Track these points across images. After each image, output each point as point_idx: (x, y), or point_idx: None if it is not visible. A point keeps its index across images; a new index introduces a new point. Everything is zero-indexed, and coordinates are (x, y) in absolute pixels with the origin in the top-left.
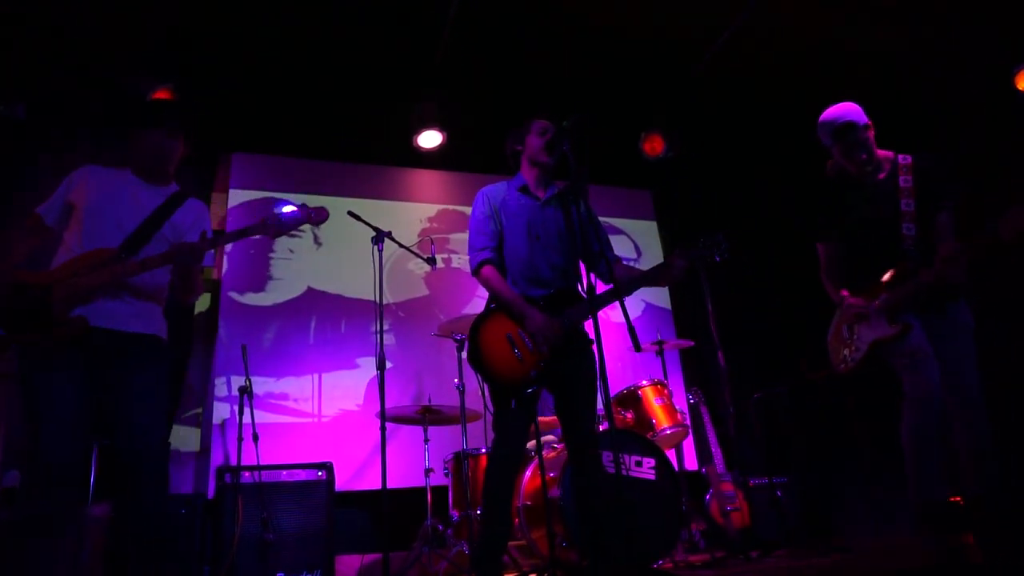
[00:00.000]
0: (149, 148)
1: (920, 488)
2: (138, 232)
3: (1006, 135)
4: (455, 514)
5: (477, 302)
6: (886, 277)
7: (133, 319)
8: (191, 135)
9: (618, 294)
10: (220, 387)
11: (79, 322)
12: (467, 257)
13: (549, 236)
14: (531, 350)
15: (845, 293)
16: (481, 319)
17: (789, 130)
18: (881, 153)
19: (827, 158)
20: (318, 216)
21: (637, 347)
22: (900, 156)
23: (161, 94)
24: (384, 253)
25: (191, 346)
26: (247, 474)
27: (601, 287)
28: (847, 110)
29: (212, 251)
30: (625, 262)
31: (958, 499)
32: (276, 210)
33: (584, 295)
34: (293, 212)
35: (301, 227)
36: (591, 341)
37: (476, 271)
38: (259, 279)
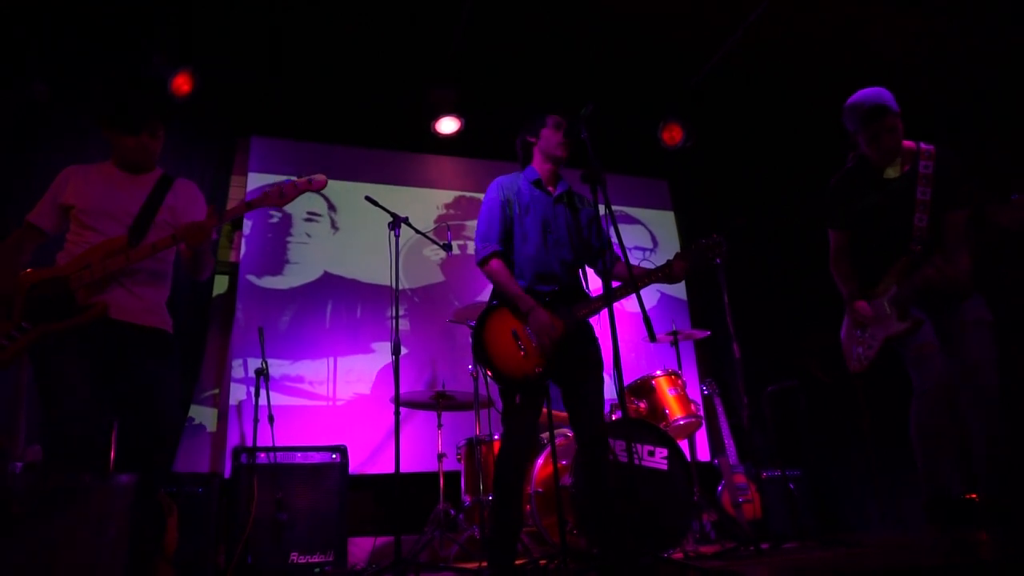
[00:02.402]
0: (130, 150)
1: (929, 483)
2: (139, 220)
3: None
4: (467, 499)
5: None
6: (892, 270)
7: (144, 313)
8: (169, 124)
9: (633, 288)
10: (237, 369)
11: (101, 307)
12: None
13: (560, 233)
14: (535, 346)
15: (861, 304)
16: (486, 315)
17: (808, 121)
18: (906, 144)
19: (845, 148)
20: (317, 183)
21: (652, 337)
22: (922, 144)
23: (180, 78)
24: (400, 239)
25: (208, 328)
26: (263, 455)
27: (596, 283)
28: (878, 93)
29: (219, 226)
30: (640, 251)
31: (973, 496)
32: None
33: (587, 292)
34: (290, 180)
35: (318, 212)
36: (593, 330)
37: (483, 262)
38: (276, 263)
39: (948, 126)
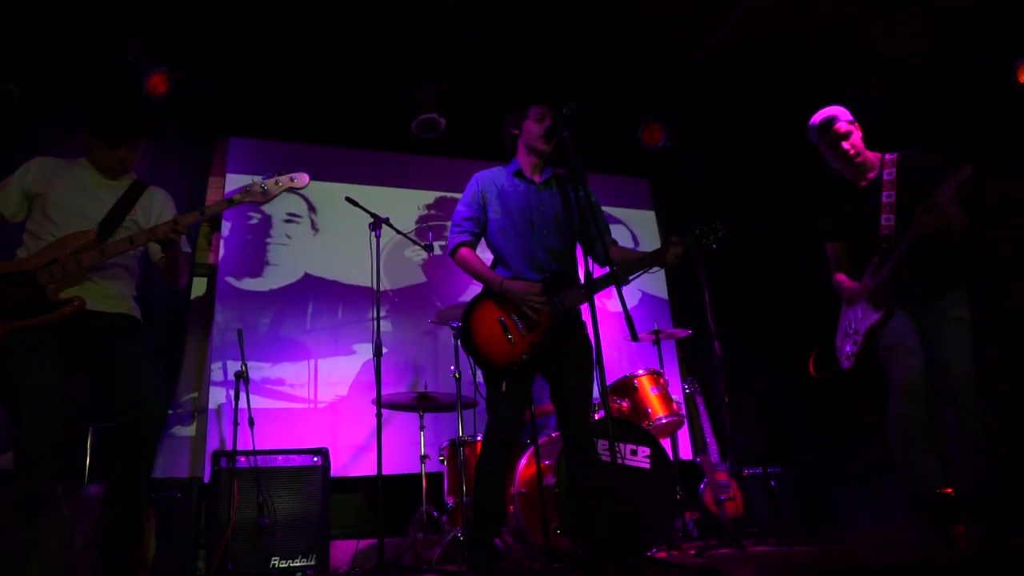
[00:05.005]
0: (106, 158)
1: (908, 478)
2: (108, 218)
3: (1007, 129)
4: (450, 501)
5: (474, 290)
6: (867, 269)
7: (112, 301)
8: (151, 134)
9: (614, 278)
10: (216, 372)
11: (79, 303)
12: None
13: (545, 220)
14: (522, 333)
15: (841, 277)
16: (473, 304)
17: (791, 121)
18: (871, 155)
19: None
20: (300, 182)
21: (634, 336)
22: (887, 154)
23: (157, 78)
24: (381, 240)
25: (187, 331)
26: (243, 459)
27: (597, 271)
28: (830, 108)
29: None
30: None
31: (949, 491)
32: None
33: (578, 279)
34: (272, 176)
35: (298, 213)
36: (583, 324)
37: (452, 253)
38: (256, 264)
39: (946, 127)
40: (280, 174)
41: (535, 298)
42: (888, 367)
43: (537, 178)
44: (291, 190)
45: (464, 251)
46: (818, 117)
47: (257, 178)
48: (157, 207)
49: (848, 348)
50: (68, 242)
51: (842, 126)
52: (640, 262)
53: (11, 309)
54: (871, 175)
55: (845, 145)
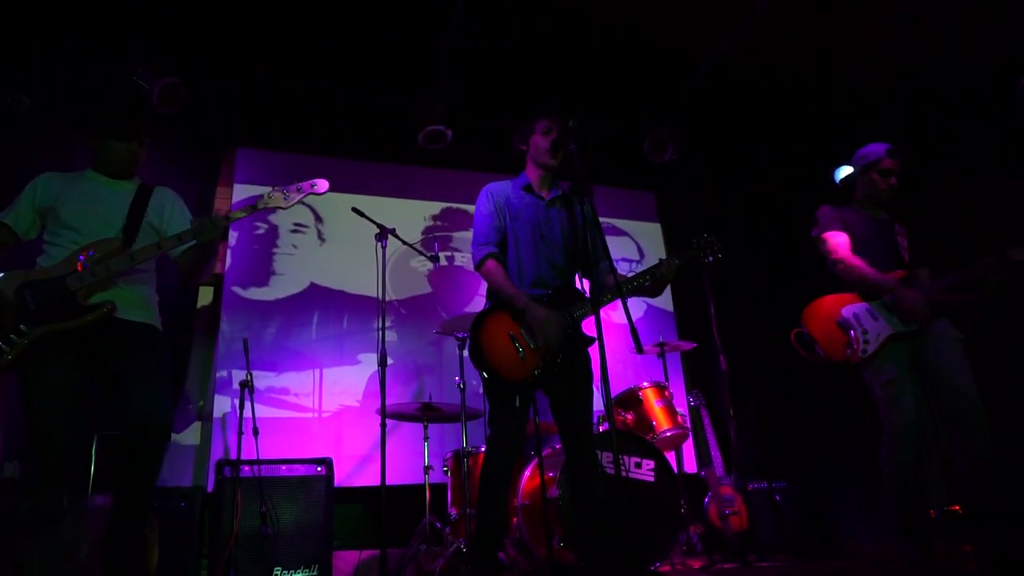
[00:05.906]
0: (118, 156)
1: (899, 503)
2: (129, 222)
3: (1007, 130)
4: (453, 512)
5: (479, 300)
6: (891, 276)
7: (138, 308)
8: (156, 135)
9: (619, 291)
10: (221, 381)
11: (110, 306)
12: (470, 255)
13: (553, 236)
14: (533, 348)
15: (897, 274)
16: (483, 316)
17: (791, 121)
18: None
19: (829, 156)
20: (320, 187)
21: (639, 348)
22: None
23: (166, 89)
24: (387, 250)
25: (192, 339)
26: (247, 468)
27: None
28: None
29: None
30: (627, 263)
31: (956, 508)
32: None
33: (583, 292)
34: (294, 184)
35: (304, 223)
36: (590, 340)
37: (479, 265)
38: (262, 274)
39: (946, 127)
40: (300, 181)
41: (556, 329)
42: (881, 405)
43: (546, 194)
44: (310, 196)
45: (491, 263)
46: (881, 144)
47: (265, 190)
48: (168, 206)
49: (865, 345)
50: (96, 248)
51: (897, 165)
52: (639, 277)
53: (43, 313)
54: (884, 217)
55: (892, 180)
